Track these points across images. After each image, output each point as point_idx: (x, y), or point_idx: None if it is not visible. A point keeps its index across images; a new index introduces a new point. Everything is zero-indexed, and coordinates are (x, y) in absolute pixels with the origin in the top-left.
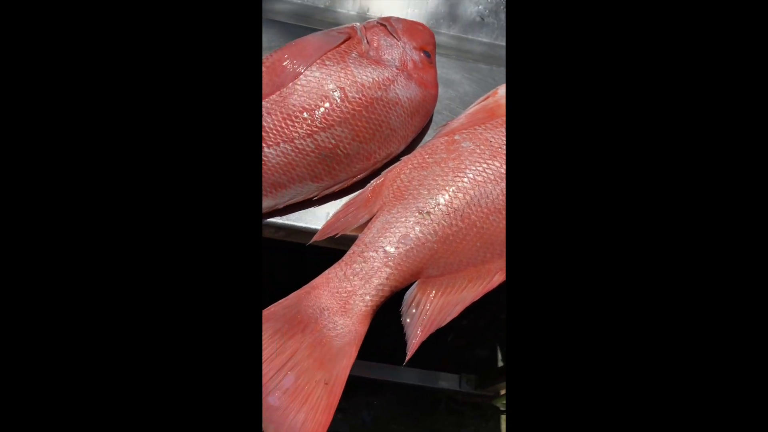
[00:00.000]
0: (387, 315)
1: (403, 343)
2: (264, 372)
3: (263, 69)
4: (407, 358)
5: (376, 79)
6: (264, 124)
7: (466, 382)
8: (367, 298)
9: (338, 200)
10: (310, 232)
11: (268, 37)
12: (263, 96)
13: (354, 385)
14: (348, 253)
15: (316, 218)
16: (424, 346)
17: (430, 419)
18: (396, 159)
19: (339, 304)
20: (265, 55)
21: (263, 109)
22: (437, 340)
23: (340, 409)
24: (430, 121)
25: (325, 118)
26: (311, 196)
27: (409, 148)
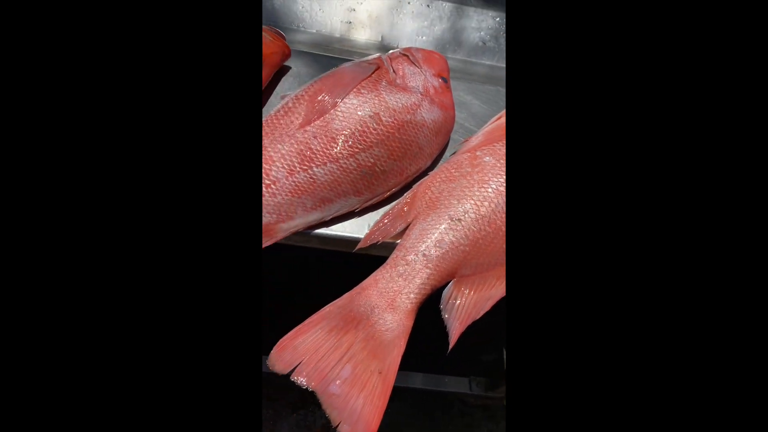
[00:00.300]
0: None
1: (413, 351)
2: (324, 365)
3: (306, 98)
4: (450, 347)
5: (405, 104)
6: (312, 146)
7: (476, 384)
8: (412, 296)
9: (377, 211)
10: (354, 241)
11: (297, 67)
12: (308, 122)
13: None
14: (391, 257)
15: (359, 228)
16: (434, 351)
17: (441, 422)
18: (424, 174)
19: (387, 302)
20: (303, 85)
21: (310, 134)
22: (445, 344)
23: None
24: (449, 139)
25: (364, 140)
26: (353, 209)
27: (433, 164)
